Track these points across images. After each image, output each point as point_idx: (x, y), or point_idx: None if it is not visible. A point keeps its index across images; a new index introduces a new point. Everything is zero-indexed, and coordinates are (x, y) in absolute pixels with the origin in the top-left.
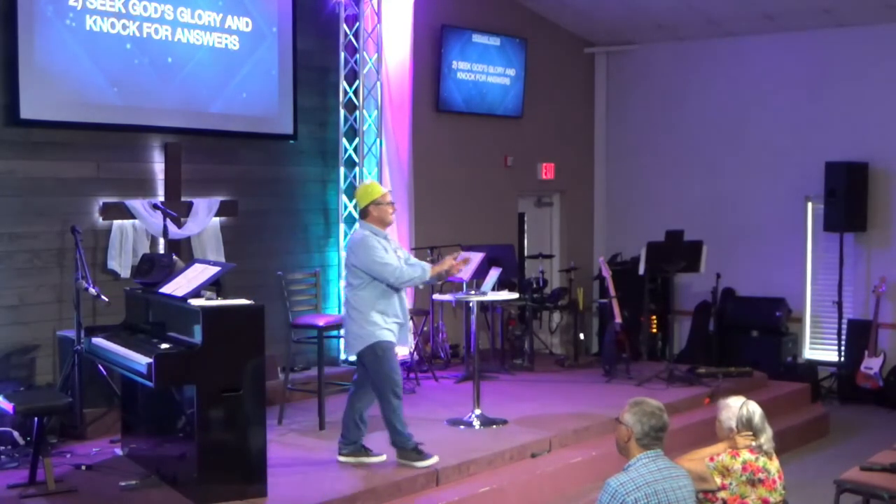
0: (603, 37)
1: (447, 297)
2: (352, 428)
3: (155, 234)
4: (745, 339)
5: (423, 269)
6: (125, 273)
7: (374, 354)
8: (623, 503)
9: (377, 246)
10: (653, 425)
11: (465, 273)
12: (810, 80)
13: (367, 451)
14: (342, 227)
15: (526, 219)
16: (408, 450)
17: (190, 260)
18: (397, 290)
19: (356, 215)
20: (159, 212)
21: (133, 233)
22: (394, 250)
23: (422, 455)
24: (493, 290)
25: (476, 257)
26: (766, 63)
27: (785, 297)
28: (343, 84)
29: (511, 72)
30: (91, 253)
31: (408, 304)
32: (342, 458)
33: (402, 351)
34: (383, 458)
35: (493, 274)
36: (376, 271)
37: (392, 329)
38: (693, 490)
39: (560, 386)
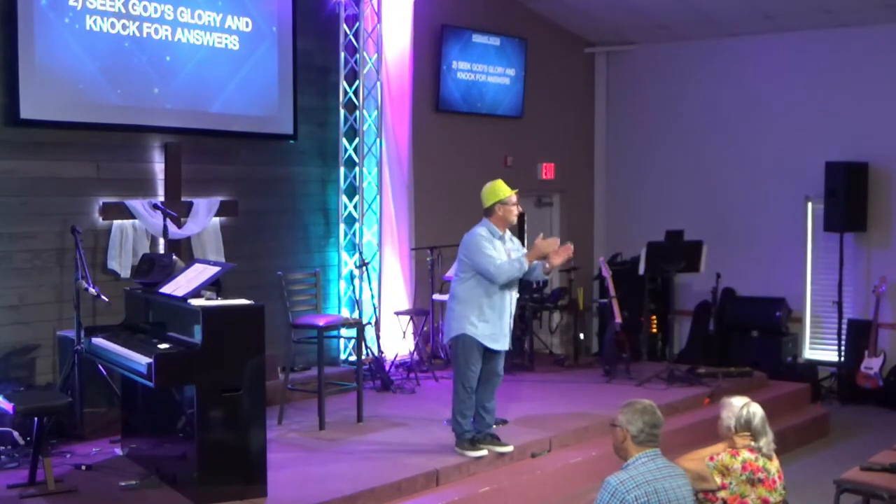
0: (603, 37)
1: (447, 297)
2: (477, 418)
3: (155, 234)
4: (745, 339)
5: (521, 261)
6: (125, 273)
7: (456, 345)
8: (623, 501)
9: (487, 245)
10: (646, 421)
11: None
12: (810, 80)
13: (494, 440)
14: (342, 227)
15: (526, 219)
16: (463, 440)
17: (190, 260)
18: (502, 290)
19: (356, 215)
20: (159, 212)
21: (133, 233)
22: (507, 252)
23: (474, 446)
24: None
25: None
26: (766, 63)
27: (785, 297)
28: (343, 84)
29: (511, 72)
30: (91, 253)
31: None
32: None
33: (501, 346)
34: (510, 448)
35: None
36: (482, 266)
37: (481, 328)
38: (691, 490)
39: (560, 386)
